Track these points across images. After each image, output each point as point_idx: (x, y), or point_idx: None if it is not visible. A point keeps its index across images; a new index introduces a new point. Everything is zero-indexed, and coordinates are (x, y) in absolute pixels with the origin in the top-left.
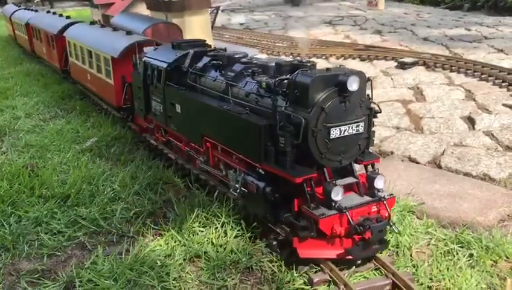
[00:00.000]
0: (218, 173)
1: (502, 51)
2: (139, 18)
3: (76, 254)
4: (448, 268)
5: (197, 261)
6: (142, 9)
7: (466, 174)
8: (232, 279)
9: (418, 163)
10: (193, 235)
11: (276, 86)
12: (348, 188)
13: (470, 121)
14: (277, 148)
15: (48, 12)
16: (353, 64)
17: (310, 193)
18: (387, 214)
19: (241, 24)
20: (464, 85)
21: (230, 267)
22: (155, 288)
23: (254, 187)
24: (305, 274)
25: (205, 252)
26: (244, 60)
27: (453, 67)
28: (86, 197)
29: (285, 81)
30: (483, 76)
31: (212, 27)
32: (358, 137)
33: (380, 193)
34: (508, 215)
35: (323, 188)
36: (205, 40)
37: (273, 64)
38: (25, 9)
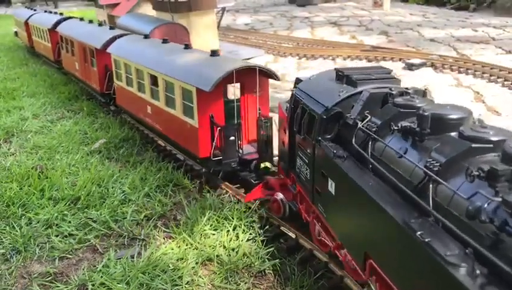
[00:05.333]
0: None
1: (510, 52)
2: (145, 19)
3: (88, 257)
4: None
5: (210, 265)
6: (148, 9)
7: None
8: (245, 283)
9: None
10: (205, 238)
11: None
12: None
13: (480, 123)
14: None
15: (69, 17)
16: (360, 65)
17: None
18: None
19: (246, 24)
20: (473, 87)
21: (243, 271)
22: None
23: None
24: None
25: (217, 256)
26: (468, 127)
27: (461, 69)
28: (96, 199)
29: None
30: (492, 78)
31: (218, 27)
32: None
33: None
34: None
35: None
36: (389, 71)
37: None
38: (45, 11)
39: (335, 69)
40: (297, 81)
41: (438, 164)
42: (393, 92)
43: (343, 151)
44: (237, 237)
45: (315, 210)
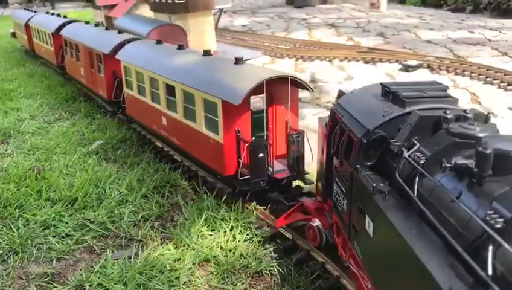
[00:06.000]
0: None
1: (506, 54)
2: (143, 20)
3: (85, 258)
4: None
5: (207, 266)
6: (146, 10)
7: None
8: (242, 283)
9: None
10: (202, 239)
11: None
12: None
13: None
14: None
15: (73, 20)
16: (357, 66)
17: None
18: None
19: (244, 26)
20: (469, 88)
21: (240, 271)
22: None
23: None
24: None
25: (214, 256)
26: None
27: (458, 70)
28: (94, 200)
29: None
30: (488, 79)
31: (216, 29)
32: None
33: None
34: None
35: None
36: (445, 88)
37: None
38: (46, 13)
39: (381, 83)
40: (340, 94)
41: (501, 220)
42: (448, 116)
43: (385, 185)
44: (234, 237)
45: (351, 248)
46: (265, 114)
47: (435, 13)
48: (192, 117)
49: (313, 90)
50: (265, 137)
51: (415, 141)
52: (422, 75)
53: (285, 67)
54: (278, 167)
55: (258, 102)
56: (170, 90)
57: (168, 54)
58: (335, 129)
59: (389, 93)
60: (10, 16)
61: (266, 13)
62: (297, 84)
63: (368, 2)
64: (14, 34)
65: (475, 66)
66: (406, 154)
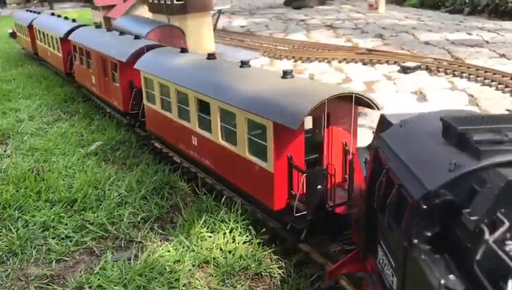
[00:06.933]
0: None
1: (503, 55)
2: (141, 21)
3: (85, 259)
4: None
5: (206, 267)
6: (144, 11)
7: None
8: (242, 285)
9: None
10: (201, 240)
11: None
12: None
13: None
14: None
15: (83, 24)
16: (355, 68)
17: None
18: None
19: (242, 27)
20: (467, 90)
21: (240, 273)
22: None
23: None
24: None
25: (214, 258)
26: None
27: (456, 72)
28: (93, 202)
29: None
30: (486, 81)
31: (214, 30)
32: None
33: None
34: None
35: None
36: None
37: None
38: (52, 14)
39: (441, 118)
40: (383, 121)
41: None
42: None
43: (456, 279)
44: (234, 239)
45: None
46: (321, 136)
47: (433, 15)
48: (231, 139)
49: (379, 109)
50: (319, 162)
51: (502, 217)
52: (421, 77)
53: (284, 68)
54: (338, 200)
55: (309, 121)
56: (203, 106)
57: (197, 64)
58: (379, 177)
59: (453, 134)
60: (8, 16)
61: (264, 14)
62: (361, 102)
63: (366, 3)
64: (12, 36)
65: (473, 67)
66: (489, 238)
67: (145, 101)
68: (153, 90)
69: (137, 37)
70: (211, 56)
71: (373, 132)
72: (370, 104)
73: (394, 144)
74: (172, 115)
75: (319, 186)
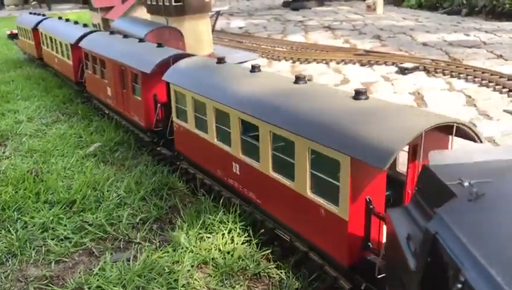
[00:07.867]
0: None
1: (501, 56)
2: (139, 22)
3: (84, 260)
4: None
5: (205, 268)
6: (142, 13)
7: None
8: (241, 286)
9: None
10: (200, 241)
11: None
12: None
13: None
14: None
15: (95, 30)
16: (353, 69)
17: None
18: None
19: (240, 28)
20: (465, 91)
21: (238, 274)
22: None
23: None
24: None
25: (213, 259)
26: None
27: (453, 73)
28: (92, 203)
29: None
30: (483, 82)
31: (213, 31)
32: None
33: None
34: None
35: None
36: None
37: None
38: (59, 18)
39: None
40: (429, 178)
41: None
42: None
43: None
44: (232, 240)
45: None
46: (403, 173)
47: (430, 16)
48: (287, 172)
49: (482, 142)
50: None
51: None
52: (419, 78)
53: (282, 70)
54: None
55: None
56: (249, 129)
57: (240, 78)
58: (443, 272)
59: None
60: (6, 17)
61: (263, 15)
62: (461, 132)
63: (364, 4)
64: (11, 37)
65: (470, 68)
66: None
67: (174, 118)
68: (184, 106)
69: (159, 45)
70: (255, 68)
71: (415, 188)
72: (472, 136)
73: (467, 235)
74: (208, 136)
75: None
